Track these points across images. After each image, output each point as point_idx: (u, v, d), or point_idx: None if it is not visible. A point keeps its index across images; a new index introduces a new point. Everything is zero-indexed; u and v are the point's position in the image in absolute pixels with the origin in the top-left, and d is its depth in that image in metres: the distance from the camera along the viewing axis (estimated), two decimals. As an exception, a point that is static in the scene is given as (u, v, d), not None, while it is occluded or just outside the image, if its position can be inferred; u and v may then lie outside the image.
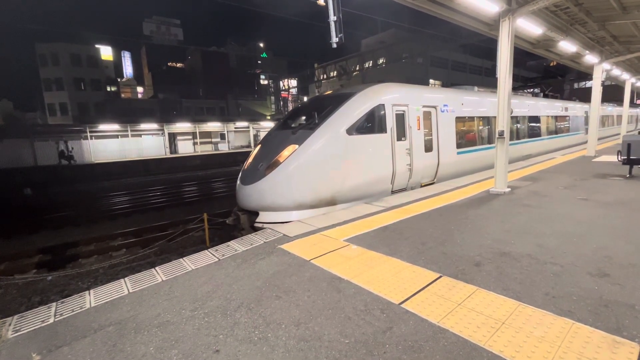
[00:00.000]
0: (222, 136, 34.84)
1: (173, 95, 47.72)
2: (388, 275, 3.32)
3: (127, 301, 3.09)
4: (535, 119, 13.75)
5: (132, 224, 10.45)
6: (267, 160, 6.25)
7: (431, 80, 39.34)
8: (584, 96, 21.66)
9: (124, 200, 14.79)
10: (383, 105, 7.00)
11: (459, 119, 9.17)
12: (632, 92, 23.45)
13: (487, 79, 43.72)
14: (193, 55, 58.19)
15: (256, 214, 6.14)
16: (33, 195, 17.27)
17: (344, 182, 6.34)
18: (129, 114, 36.37)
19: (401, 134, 7.36)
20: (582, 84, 39.17)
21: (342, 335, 2.42)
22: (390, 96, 7.22)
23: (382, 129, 6.96)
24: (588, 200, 5.86)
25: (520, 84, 24.41)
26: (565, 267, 3.31)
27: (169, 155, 29.51)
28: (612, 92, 28.83)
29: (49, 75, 40.68)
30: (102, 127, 27.73)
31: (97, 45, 45.11)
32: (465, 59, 43.83)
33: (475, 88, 11.08)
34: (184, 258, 4.10)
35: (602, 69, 12.28)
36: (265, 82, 62.63)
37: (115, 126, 28.37)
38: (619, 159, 8.24)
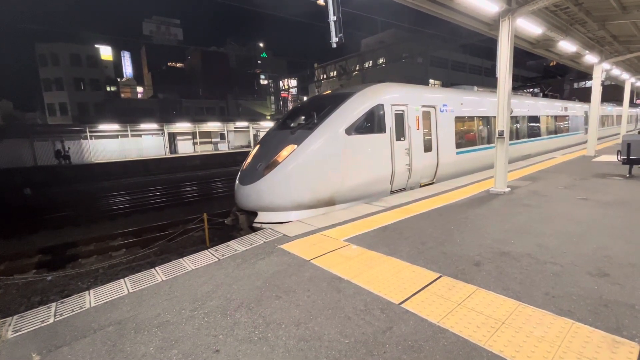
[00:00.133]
0: (222, 136, 34.84)
1: (173, 95, 47.69)
2: (388, 275, 3.32)
3: (127, 301, 3.08)
4: (535, 118, 13.76)
5: (131, 224, 10.45)
6: (266, 160, 6.24)
7: (431, 80, 39.35)
8: (584, 96, 21.66)
9: (124, 200, 14.79)
10: (382, 105, 7.00)
11: (459, 119, 9.17)
12: (632, 92, 23.47)
13: (487, 79, 43.73)
14: (193, 55, 58.18)
15: (255, 214, 6.13)
16: (33, 195, 17.26)
17: (343, 182, 6.33)
18: (129, 114, 36.36)
19: (400, 133, 7.35)
20: (582, 83, 39.20)
21: (342, 335, 2.42)
22: (389, 96, 7.21)
23: (381, 128, 6.96)
24: (588, 200, 5.86)
25: (520, 84, 24.41)
26: (565, 267, 3.31)
27: (168, 155, 29.51)
28: (612, 92, 28.83)
29: (48, 75, 40.65)
30: (102, 127, 27.74)
31: (96, 45, 45.06)
32: (465, 58, 43.85)
33: (475, 88, 11.08)
34: (184, 258, 4.09)
35: (601, 69, 12.29)
36: (265, 82, 62.63)
37: (115, 126, 28.38)
38: (619, 158, 8.25)
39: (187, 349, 2.36)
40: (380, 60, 36.42)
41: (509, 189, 6.90)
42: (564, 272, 3.21)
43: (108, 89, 45.78)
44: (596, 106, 12.20)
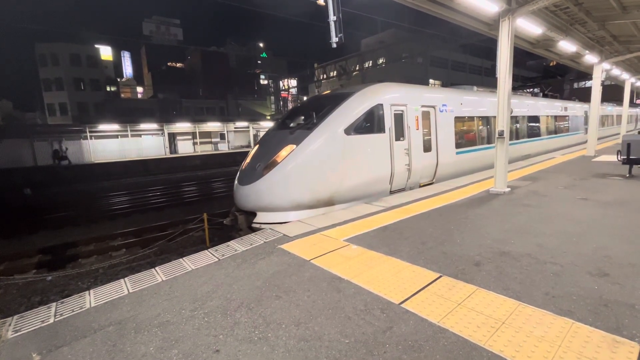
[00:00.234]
0: (222, 136, 34.83)
1: (173, 95, 47.69)
2: (388, 275, 3.32)
3: (127, 301, 3.08)
4: (535, 118, 13.76)
5: (131, 224, 10.45)
6: (265, 161, 6.23)
7: (431, 80, 39.34)
8: (584, 96, 21.66)
9: (124, 201, 14.79)
10: (381, 105, 6.99)
11: (458, 119, 9.17)
12: (632, 92, 23.47)
13: (487, 79, 43.74)
14: (193, 55, 58.18)
15: (254, 214, 6.12)
16: (33, 195, 17.26)
17: (342, 183, 6.32)
18: (129, 114, 36.36)
19: (399, 134, 7.34)
20: (581, 83, 39.21)
21: (342, 335, 2.42)
22: (388, 96, 7.21)
23: (380, 129, 6.95)
24: (588, 200, 5.86)
25: (520, 84, 24.42)
26: (565, 267, 3.31)
27: (168, 155, 29.50)
28: (612, 92, 28.83)
29: (48, 75, 40.66)
30: (102, 127, 27.72)
31: (96, 45, 45.05)
32: (465, 58, 43.85)
33: (475, 88, 11.08)
34: (184, 258, 4.09)
35: (601, 69, 12.29)
36: (265, 82, 62.64)
37: (114, 126, 28.36)
38: (619, 158, 8.25)
39: (187, 349, 2.36)
40: (380, 60, 36.43)
41: (509, 189, 6.90)
42: (564, 272, 3.21)
43: (108, 89, 45.77)
44: (596, 106, 12.20)
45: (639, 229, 4.31)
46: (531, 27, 7.62)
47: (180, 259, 4.06)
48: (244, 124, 35.96)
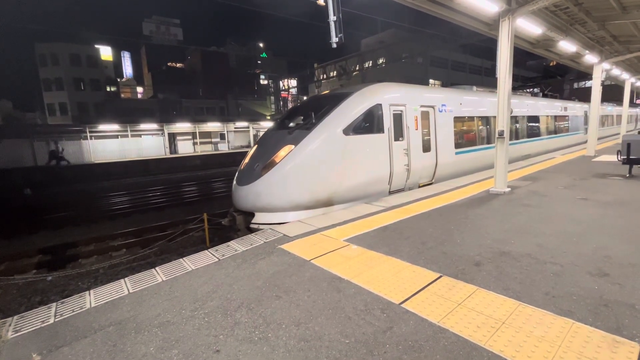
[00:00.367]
0: (222, 136, 34.84)
1: (173, 95, 47.67)
2: (388, 275, 3.33)
3: (127, 301, 3.09)
4: (535, 118, 13.76)
5: (132, 224, 10.45)
6: (263, 161, 6.21)
7: (431, 80, 39.34)
8: (584, 96, 21.67)
9: (124, 201, 14.79)
10: (380, 105, 6.98)
11: (457, 119, 9.17)
12: (632, 92, 23.48)
13: (486, 79, 43.73)
14: (193, 55, 58.17)
15: (252, 215, 6.10)
16: (33, 195, 17.27)
17: (341, 183, 6.31)
18: (129, 114, 36.36)
19: (399, 134, 7.34)
20: (581, 83, 39.22)
21: (343, 335, 2.43)
22: (387, 96, 7.20)
23: (379, 129, 6.94)
24: (588, 200, 5.86)
25: (520, 84, 24.43)
26: (565, 267, 3.31)
27: (168, 156, 29.50)
28: (612, 92, 28.84)
29: (48, 75, 40.65)
30: (102, 127, 27.72)
31: (96, 46, 45.04)
32: (465, 58, 43.84)
33: (474, 88, 11.08)
34: (184, 258, 4.10)
35: (601, 69, 12.29)
36: (265, 82, 62.61)
37: (115, 126, 28.37)
38: (619, 158, 8.25)
39: (188, 349, 2.36)
40: (380, 60, 36.41)
41: (509, 189, 6.90)
42: (564, 272, 3.21)
43: (108, 89, 45.76)
44: (596, 106, 12.21)
45: (639, 229, 4.31)
46: (531, 27, 7.62)
47: (181, 259, 4.06)
48: (244, 124, 35.97)
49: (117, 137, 28.47)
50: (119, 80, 52.06)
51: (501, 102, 6.63)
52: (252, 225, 5.99)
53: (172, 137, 31.54)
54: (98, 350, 2.39)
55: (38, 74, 41.14)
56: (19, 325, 2.79)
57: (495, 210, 5.56)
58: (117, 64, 52.43)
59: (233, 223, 6.40)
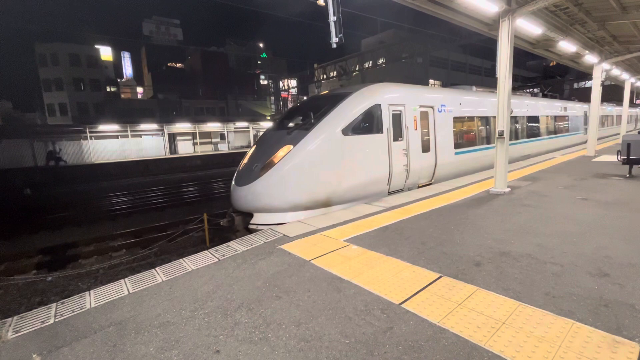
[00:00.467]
0: (222, 136, 34.84)
1: (173, 95, 47.69)
2: (388, 276, 3.33)
3: (127, 301, 3.08)
4: (535, 119, 13.76)
5: (132, 225, 10.45)
6: (262, 161, 6.20)
7: (431, 80, 39.34)
8: (584, 96, 21.68)
9: (124, 201, 14.78)
10: (379, 105, 6.97)
11: (457, 119, 9.16)
12: (632, 92, 23.49)
13: (486, 79, 43.76)
14: (193, 55, 58.18)
15: (251, 215, 6.09)
16: (33, 195, 17.27)
17: (340, 183, 6.30)
18: (129, 115, 36.37)
19: (398, 134, 7.33)
20: (581, 84, 39.23)
21: (343, 335, 2.43)
22: (386, 96, 7.19)
23: (378, 129, 6.93)
24: (588, 200, 5.86)
25: (520, 84, 24.43)
26: (565, 267, 3.31)
27: (168, 156, 29.50)
28: (612, 92, 28.85)
29: (48, 76, 40.62)
30: (102, 127, 27.72)
31: (96, 46, 45.05)
32: (465, 59, 43.85)
33: (474, 88, 11.07)
34: (184, 258, 4.09)
35: (601, 69, 12.30)
36: (265, 82, 62.60)
37: (114, 126, 28.36)
38: (619, 158, 8.25)
39: (188, 349, 2.36)
40: (380, 61, 36.40)
41: (509, 189, 6.90)
42: (564, 272, 3.21)
43: (108, 89, 45.74)
44: (596, 106, 12.21)
45: (639, 229, 4.31)
46: (531, 27, 7.63)
47: (181, 260, 4.06)
48: (244, 124, 35.96)
49: (117, 138, 28.46)
50: (119, 80, 52.08)
51: (501, 102, 6.63)
52: (250, 226, 5.98)
53: (172, 138, 31.54)
54: (98, 351, 2.39)
55: (38, 74, 41.11)
56: (19, 326, 2.79)
57: (495, 210, 5.56)
58: (117, 64, 52.50)
59: (231, 224, 6.38)
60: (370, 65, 34.83)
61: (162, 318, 2.78)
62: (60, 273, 6.61)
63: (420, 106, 7.95)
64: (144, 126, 29.52)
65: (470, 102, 9.88)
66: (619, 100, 22.58)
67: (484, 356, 2.14)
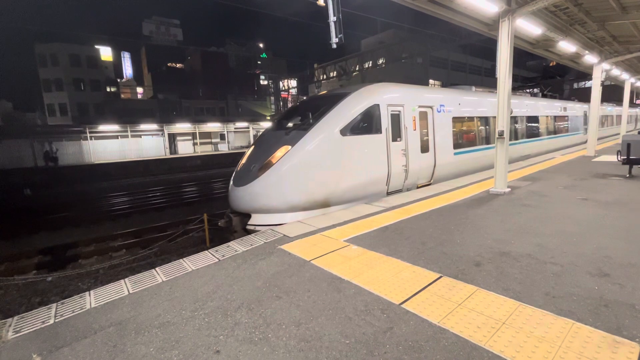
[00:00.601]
0: (222, 136, 34.84)
1: (173, 95, 47.71)
2: (388, 276, 3.33)
3: (128, 302, 3.09)
4: (534, 119, 13.76)
5: (132, 225, 10.45)
6: (260, 162, 6.18)
7: (431, 81, 39.35)
8: (584, 96, 21.68)
9: (124, 201, 14.78)
10: (378, 105, 6.95)
11: (456, 119, 9.15)
12: (632, 92, 23.49)
13: (486, 79, 43.76)
14: (193, 55, 58.20)
15: (248, 216, 6.07)
16: (33, 195, 17.26)
17: (338, 184, 6.28)
18: (129, 115, 36.38)
19: (397, 134, 7.32)
20: (581, 84, 39.24)
21: (343, 335, 2.43)
22: (385, 96, 7.17)
23: (377, 129, 6.92)
24: (588, 200, 5.86)
25: (520, 84, 24.43)
26: (565, 267, 3.31)
27: (168, 156, 29.51)
28: (612, 92, 28.85)
29: (48, 76, 40.64)
30: (102, 127, 27.73)
31: (96, 46, 45.08)
32: (465, 59, 43.86)
33: (473, 88, 11.06)
34: (184, 259, 4.09)
35: (601, 69, 12.30)
36: (265, 82, 62.59)
37: (114, 127, 28.36)
38: (619, 158, 8.25)
39: (188, 349, 2.36)
40: (380, 61, 36.40)
41: (509, 189, 6.90)
42: (564, 272, 3.21)
43: (108, 89, 45.76)
44: (596, 106, 12.21)
45: (639, 229, 4.31)
46: (531, 27, 7.63)
47: (181, 260, 4.06)
48: (244, 124, 35.97)
49: (117, 138, 28.46)
50: (119, 80, 52.08)
51: (501, 103, 6.63)
52: (248, 227, 5.97)
53: (172, 138, 31.54)
54: (98, 351, 2.39)
55: (38, 74, 41.13)
56: (19, 326, 2.79)
57: (495, 210, 5.56)
58: (117, 65, 52.51)
59: (229, 224, 6.35)
60: (370, 65, 34.84)
61: (162, 318, 2.78)
62: (60, 273, 6.61)
63: (419, 106, 7.94)
64: (144, 126, 29.52)
65: (469, 102, 9.87)
66: (618, 100, 22.58)
67: (484, 356, 2.14)
